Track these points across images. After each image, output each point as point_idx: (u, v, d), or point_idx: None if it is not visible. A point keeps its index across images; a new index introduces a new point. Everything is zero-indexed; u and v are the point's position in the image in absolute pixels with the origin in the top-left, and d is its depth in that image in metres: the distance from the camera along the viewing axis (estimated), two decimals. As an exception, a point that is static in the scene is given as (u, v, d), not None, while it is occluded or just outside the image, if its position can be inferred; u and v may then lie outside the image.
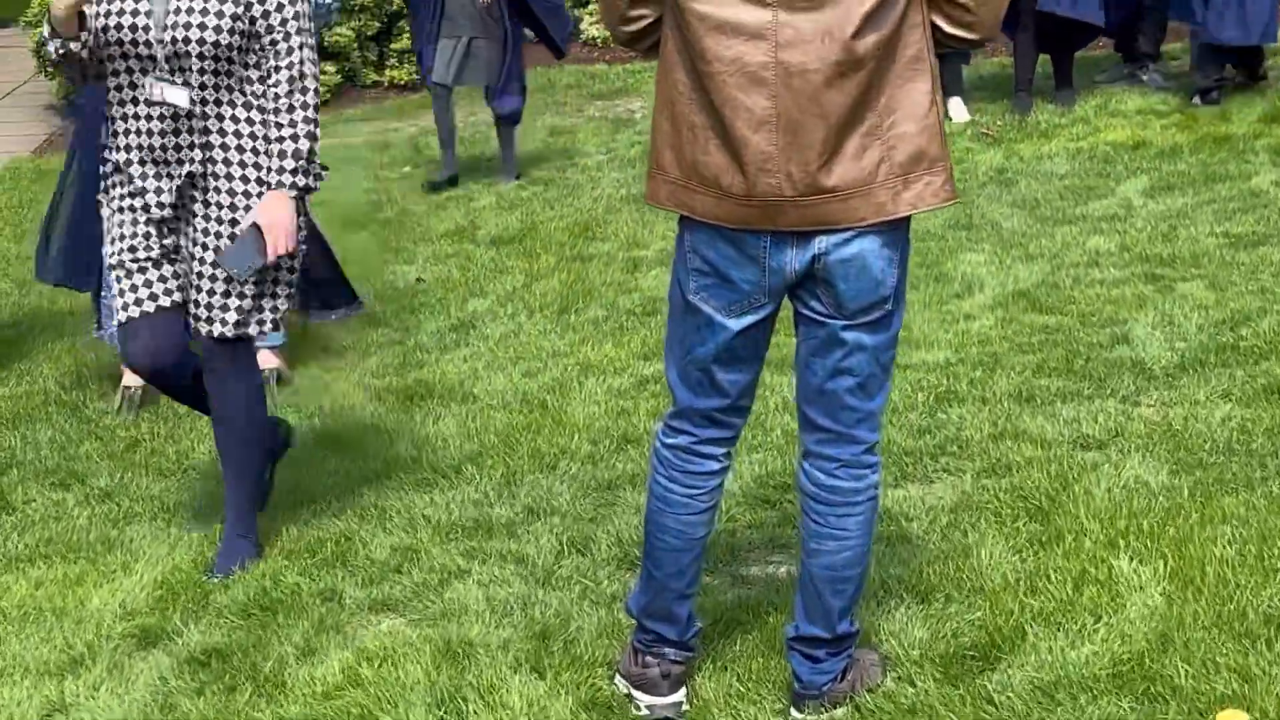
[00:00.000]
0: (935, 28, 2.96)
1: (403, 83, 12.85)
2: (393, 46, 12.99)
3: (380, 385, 5.66)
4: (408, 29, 12.48)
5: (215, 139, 3.94)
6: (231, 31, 3.88)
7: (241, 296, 3.98)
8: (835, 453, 3.16)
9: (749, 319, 3.07)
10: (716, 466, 3.25)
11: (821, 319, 3.04)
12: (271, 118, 3.94)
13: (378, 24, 12.67)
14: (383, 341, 6.31)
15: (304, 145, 3.95)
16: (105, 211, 4.08)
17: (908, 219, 3.01)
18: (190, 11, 3.87)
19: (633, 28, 3.10)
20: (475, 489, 4.59)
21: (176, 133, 3.92)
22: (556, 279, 6.98)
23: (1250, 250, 6.55)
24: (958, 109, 9.67)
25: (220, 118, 3.94)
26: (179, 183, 3.96)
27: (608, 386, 5.44)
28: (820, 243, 2.95)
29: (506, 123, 9.20)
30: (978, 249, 7.00)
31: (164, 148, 3.94)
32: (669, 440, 3.25)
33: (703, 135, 2.96)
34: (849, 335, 3.04)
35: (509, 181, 9.15)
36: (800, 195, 2.91)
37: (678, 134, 3.00)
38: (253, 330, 4.04)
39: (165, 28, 3.87)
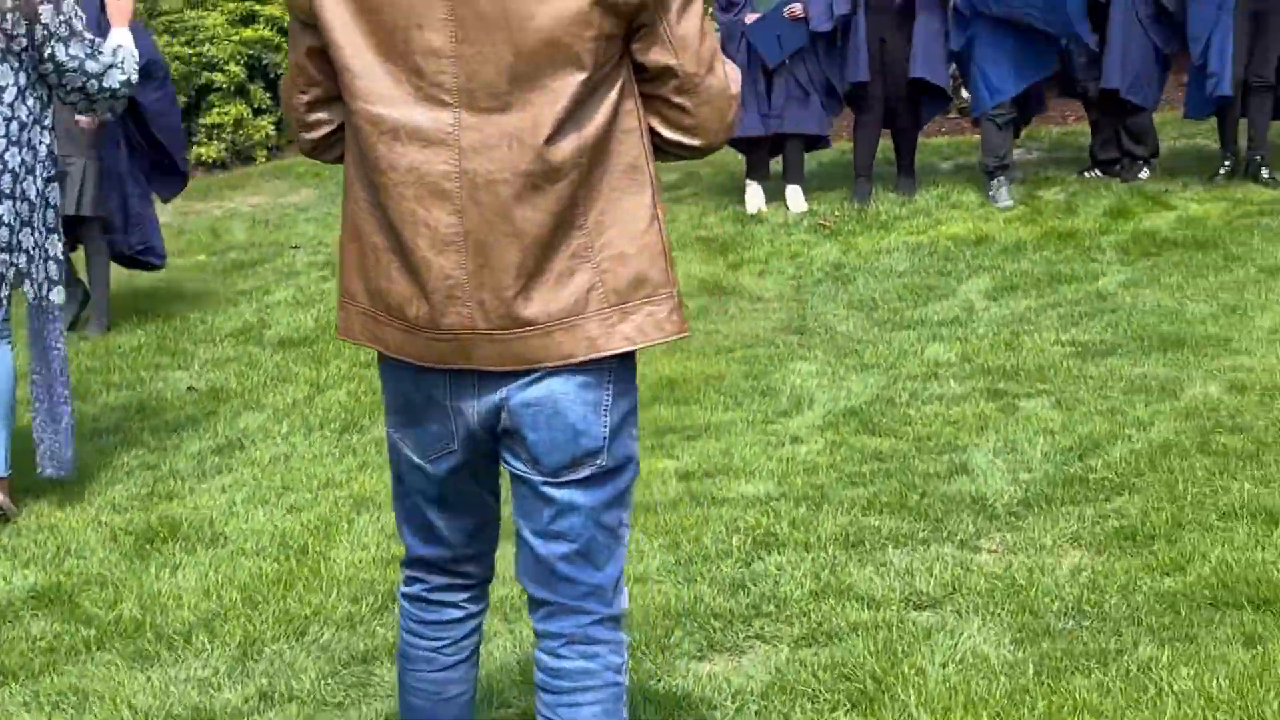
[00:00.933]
0: (654, 132, 2.52)
1: (212, 160, 12.06)
2: (201, 121, 12.20)
3: (118, 523, 4.89)
4: (217, 103, 11.75)
5: None
6: None
7: None
8: (559, 627, 2.63)
9: (446, 464, 2.63)
10: (459, 614, 2.78)
11: (522, 474, 2.57)
12: None
13: (185, 97, 11.89)
14: (133, 465, 5.53)
15: None
16: None
17: (630, 355, 2.54)
18: None
19: (314, 135, 2.61)
20: (204, 664, 3.85)
21: None
22: (344, 389, 6.28)
23: (1099, 361, 6.05)
24: (795, 198, 9.17)
25: None
26: None
27: (381, 525, 4.74)
28: (503, 383, 2.51)
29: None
30: (809, 356, 6.43)
31: None
32: (406, 589, 2.81)
33: (385, 258, 2.52)
34: (557, 493, 2.56)
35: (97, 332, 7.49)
36: (495, 328, 2.47)
37: (363, 256, 2.55)
38: None
39: None
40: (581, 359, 2.47)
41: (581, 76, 2.39)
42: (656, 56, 2.47)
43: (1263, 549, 4.13)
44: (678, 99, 2.49)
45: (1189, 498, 4.54)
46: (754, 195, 9.25)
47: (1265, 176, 8.76)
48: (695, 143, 2.55)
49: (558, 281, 2.45)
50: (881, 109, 9.08)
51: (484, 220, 2.43)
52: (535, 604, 2.65)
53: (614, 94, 2.45)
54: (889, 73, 8.94)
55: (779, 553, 4.37)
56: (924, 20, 8.80)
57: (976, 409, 5.58)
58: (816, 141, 9.28)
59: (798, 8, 8.82)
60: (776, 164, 9.32)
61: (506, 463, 2.59)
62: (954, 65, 9.22)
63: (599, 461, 2.55)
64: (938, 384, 5.93)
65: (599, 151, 2.44)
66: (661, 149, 2.55)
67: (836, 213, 8.96)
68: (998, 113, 8.75)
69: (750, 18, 8.88)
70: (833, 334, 6.79)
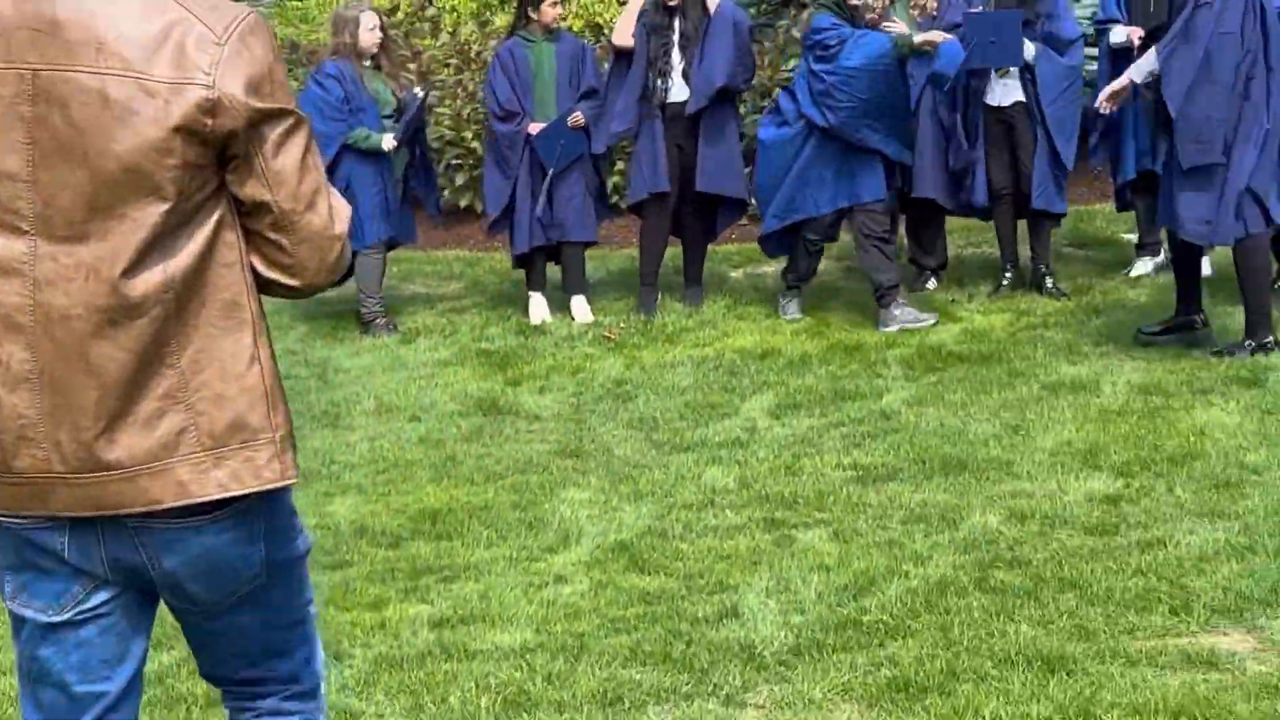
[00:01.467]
0: (253, 268, 2.43)
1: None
2: None
3: None
4: None
5: None
6: None
7: None
8: (250, 704, 2.65)
9: (76, 611, 2.47)
10: None
11: (183, 609, 2.54)
12: None
13: None
14: None
15: None
16: None
17: (284, 490, 2.48)
18: None
19: None
20: None
21: None
22: None
23: (879, 487, 5.85)
24: (579, 309, 8.90)
25: None
26: None
27: None
28: (142, 539, 2.40)
29: None
30: (583, 483, 6.14)
31: None
32: None
33: None
34: (225, 618, 2.54)
35: None
36: (73, 471, 2.35)
37: None
38: None
39: None
40: (171, 504, 2.36)
41: (164, 207, 2.29)
42: (251, 190, 2.36)
43: (1038, 701, 3.92)
44: (274, 235, 2.39)
45: (965, 642, 4.32)
46: (537, 306, 8.97)
47: (1049, 287, 8.74)
48: (293, 283, 2.44)
49: (146, 424, 2.34)
50: (669, 216, 8.90)
51: (60, 357, 2.31)
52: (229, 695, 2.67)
53: (209, 226, 2.35)
54: (682, 181, 8.77)
55: (530, 714, 4.04)
56: (716, 127, 8.66)
57: (751, 541, 5.32)
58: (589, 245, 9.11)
59: (580, 117, 8.63)
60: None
61: (164, 599, 2.54)
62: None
63: (261, 580, 2.50)
64: (713, 513, 5.67)
65: (191, 286, 2.34)
66: (263, 286, 2.45)
67: (622, 324, 8.72)
68: (812, 237, 8.58)
69: (534, 127, 8.65)
70: (610, 457, 6.50)
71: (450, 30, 12.76)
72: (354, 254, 8.26)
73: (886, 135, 8.24)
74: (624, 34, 8.79)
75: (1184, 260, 7.43)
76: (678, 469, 6.23)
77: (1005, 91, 8.59)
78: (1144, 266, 8.89)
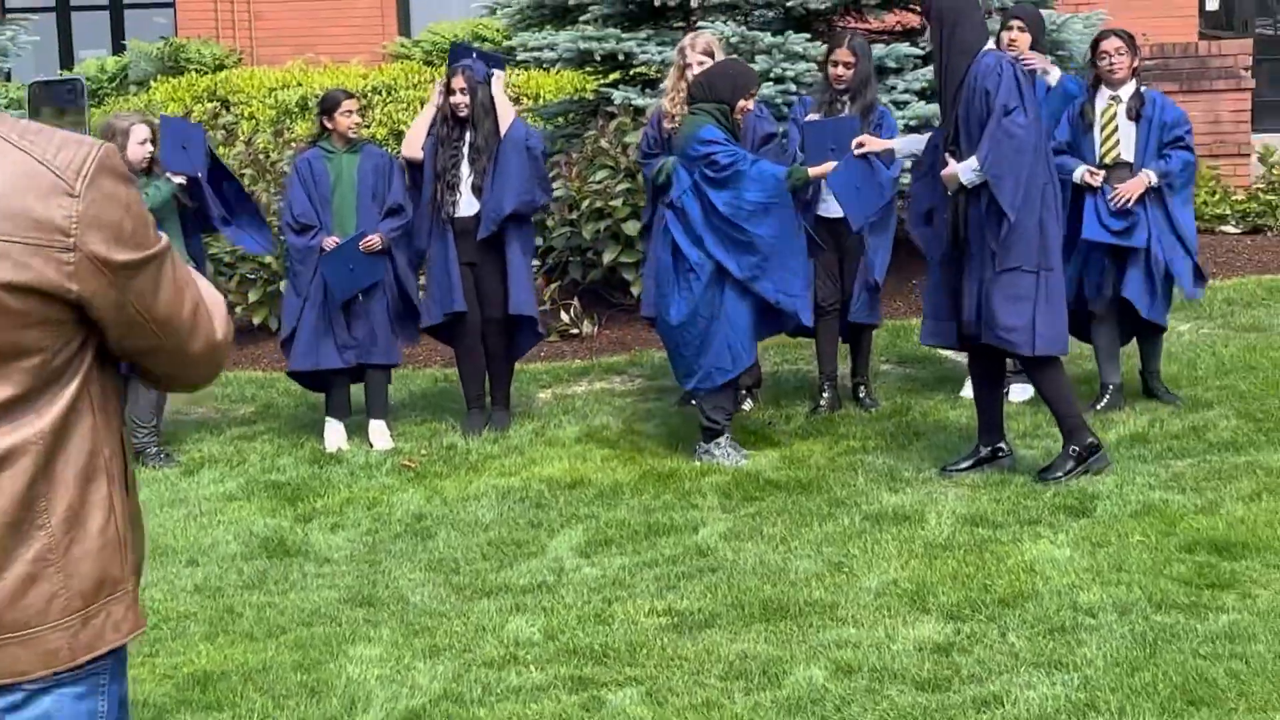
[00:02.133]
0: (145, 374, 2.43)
1: None
2: None
3: None
4: None
5: None
6: None
7: None
8: None
9: None
10: None
11: None
12: None
13: None
14: None
15: None
16: None
17: (119, 650, 2.38)
18: None
19: None
20: None
21: None
22: None
23: (695, 636, 5.42)
24: (379, 435, 8.38)
25: None
26: None
27: None
28: None
29: None
30: (374, 636, 5.60)
31: None
32: None
33: None
34: None
35: None
36: None
37: None
38: None
39: None
40: (41, 674, 2.27)
41: (30, 363, 2.23)
42: (135, 343, 2.32)
43: None
44: (167, 368, 2.41)
45: (792, 828, 3.88)
46: (333, 433, 8.42)
47: (864, 398, 8.48)
48: (186, 390, 2.54)
49: (16, 591, 2.25)
50: (479, 334, 8.45)
51: None
52: None
53: (76, 379, 2.28)
54: (483, 300, 8.34)
55: None
56: (507, 247, 8.26)
57: (557, 706, 4.84)
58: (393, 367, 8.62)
59: (375, 241, 8.16)
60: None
61: None
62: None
63: None
64: (516, 671, 5.17)
65: (59, 439, 2.27)
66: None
67: (423, 451, 8.21)
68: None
69: (330, 242, 8.16)
70: (404, 606, 5.97)
71: (245, 139, 12.22)
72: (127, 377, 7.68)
73: (789, 292, 7.59)
74: (413, 146, 8.38)
75: (986, 384, 7.18)
76: (478, 619, 5.72)
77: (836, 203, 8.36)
78: (970, 388, 8.62)
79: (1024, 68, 7.14)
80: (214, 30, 17.02)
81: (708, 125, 7.51)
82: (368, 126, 14.10)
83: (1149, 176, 7.85)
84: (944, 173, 6.94)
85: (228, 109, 14.84)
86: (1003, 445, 7.24)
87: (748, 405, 8.62)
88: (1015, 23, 8.26)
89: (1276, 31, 17.56)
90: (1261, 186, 11.73)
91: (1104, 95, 8.02)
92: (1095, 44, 8.16)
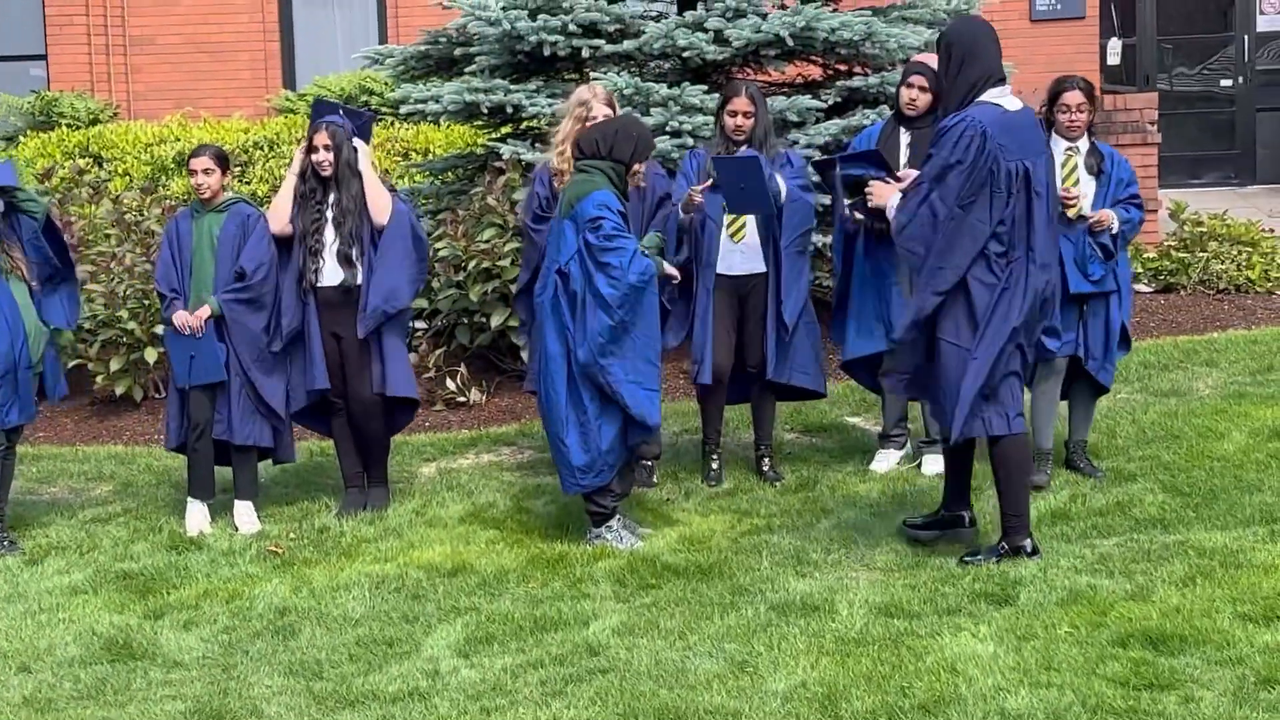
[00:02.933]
0: None
1: None
2: None
3: None
4: None
5: None
6: None
7: None
8: None
9: None
10: None
11: None
12: None
13: None
14: None
15: None
16: None
17: None
18: None
19: None
20: None
21: None
22: None
23: (583, 753, 4.83)
24: (245, 517, 7.72)
25: None
26: None
27: None
28: None
29: None
30: (220, 758, 4.95)
31: None
32: None
33: None
34: None
35: None
36: None
37: None
38: None
39: None
40: None
41: None
42: None
43: None
44: None
45: None
46: (195, 515, 7.74)
47: (766, 470, 7.98)
48: None
49: None
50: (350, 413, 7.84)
51: None
52: None
53: None
54: (351, 375, 7.71)
55: None
56: (392, 323, 7.66)
57: (421, 847, 4.22)
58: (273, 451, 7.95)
59: (190, 319, 7.54)
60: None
61: None
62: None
63: None
64: (378, 801, 4.55)
65: None
66: None
67: (292, 536, 7.56)
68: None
69: (181, 317, 7.54)
70: (259, 718, 5.33)
71: (114, 197, 11.52)
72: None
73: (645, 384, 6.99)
74: (280, 219, 7.68)
75: (960, 448, 6.65)
76: (340, 735, 5.10)
77: (743, 259, 7.85)
78: (889, 459, 8.13)
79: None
80: (89, 84, 16.28)
81: (604, 189, 6.93)
82: (247, 183, 13.45)
83: (1113, 217, 7.43)
84: (878, 192, 6.57)
85: (101, 165, 14.12)
86: (966, 514, 6.72)
87: (655, 478, 8.06)
88: (916, 79, 7.79)
89: (1172, 87, 17.40)
90: (1173, 243, 11.38)
91: (1060, 146, 7.54)
92: (1055, 94, 7.63)
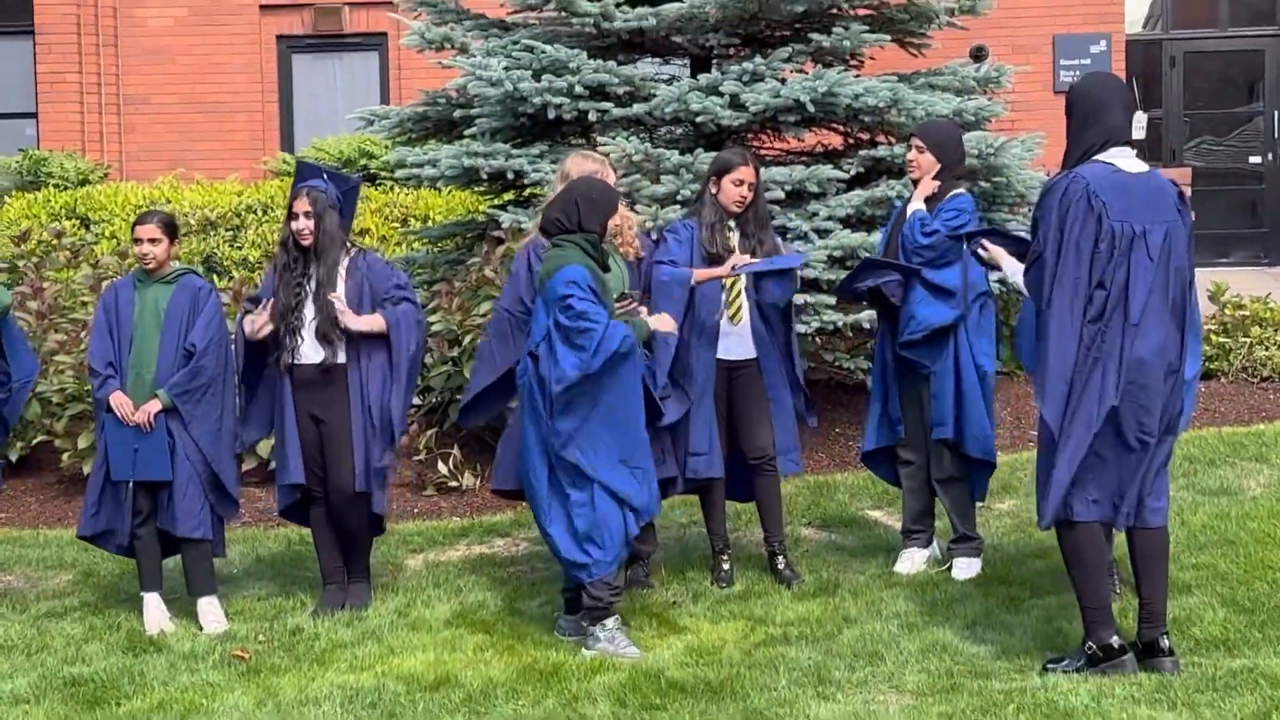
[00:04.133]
0: None
1: None
2: None
3: None
4: None
5: None
6: None
7: None
8: None
9: None
10: None
11: None
12: None
13: None
14: None
15: None
16: None
17: None
18: None
19: None
20: None
21: None
22: None
23: None
24: (209, 615, 7.06)
25: None
26: None
27: None
28: None
29: None
30: None
31: None
32: None
33: None
34: None
35: None
36: None
37: None
38: None
39: None
40: None
41: None
42: None
43: None
44: None
45: None
46: (153, 610, 7.08)
47: (782, 569, 7.32)
48: None
49: None
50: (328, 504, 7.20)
51: None
52: None
53: None
54: (330, 463, 7.07)
55: None
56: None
57: None
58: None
59: (138, 417, 6.93)
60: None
61: None
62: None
63: None
64: None
65: None
66: None
67: (261, 637, 6.88)
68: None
69: (118, 399, 6.92)
70: None
71: (93, 262, 10.92)
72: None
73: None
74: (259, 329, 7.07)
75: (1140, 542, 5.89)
76: None
77: (738, 343, 7.25)
78: (914, 559, 7.45)
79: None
80: (80, 143, 15.75)
81: (574, 264, 6.33)
82: (239, 248, 12.87)
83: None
84: (993, 250, 6.18)
85: (88, 228, 13.54)
86: (1162, 642, 5.84)
87: (652, 578, 7.38)
88: (914, 141, 7.32)
89: (1204, 161, 16.85)
90: (1214, 327, 10.72)
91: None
92: None
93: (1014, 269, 6.11)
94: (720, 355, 7.25)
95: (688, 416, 7.17)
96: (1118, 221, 5.64)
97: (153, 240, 7.04)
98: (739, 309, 7.25)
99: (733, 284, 7.23)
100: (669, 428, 7.08)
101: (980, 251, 6.26)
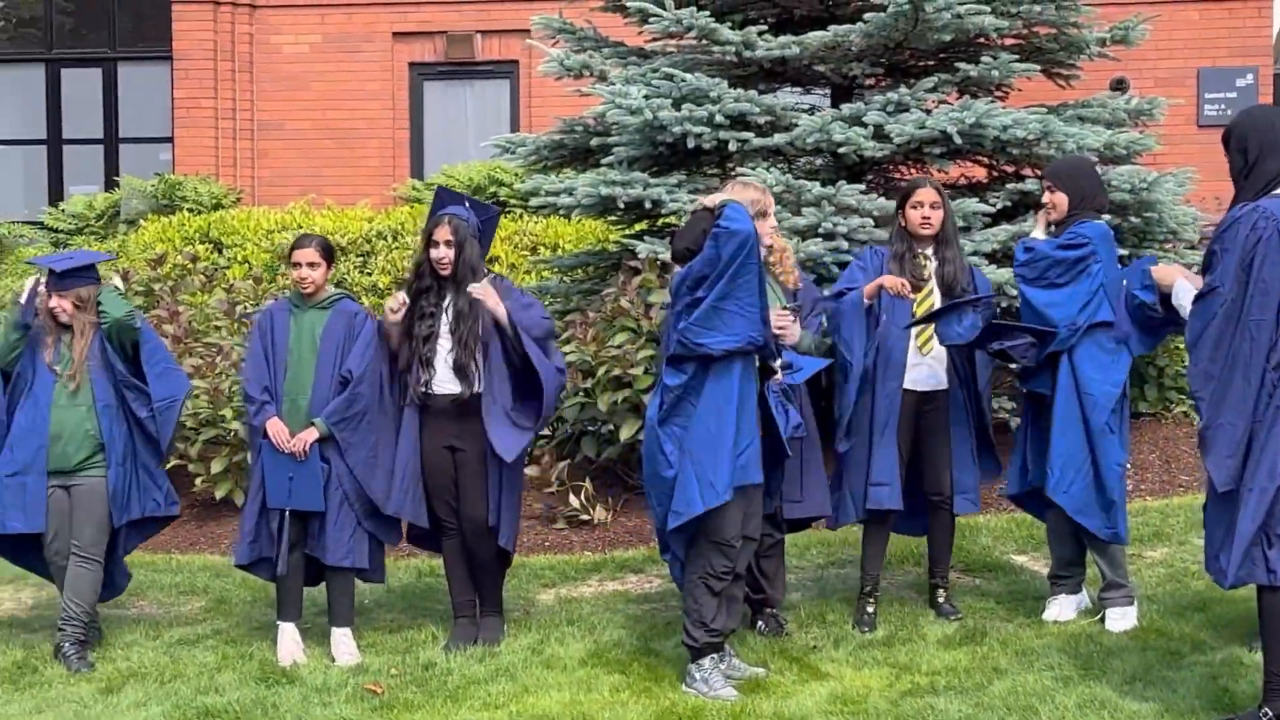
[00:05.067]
0: None
1: None
2: None
3: None
4: None
5: None
6: None
7: None
8: None
9: None
10: None
11: None
12: None
13: None
14: None
15: None
16: None
17: None
18: None
19: None
20: None
21: None
22: None
23: None
24: (343, 647, 6.96)
25: None
26: None
27: None
28: None
29: None
30: None
31: None
32: None
33: None
34: None
35: None
36: None
37: None
38: None
39: None
40: None
41: None
42: None
43: None
44: None
45: None
46: (287, 641, 6.99)
47: (943, 603, 7.20)
48: None
49: None
50: (462, 535, 7.08)
51: None
52: None
53: None
54: (464, 495, 6.95)
55: None
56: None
57: None
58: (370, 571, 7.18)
59: (294, 445, 6.85)
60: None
61: None
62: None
63: None
64: None
65: None
66: None
67: (394, 671, 6.76)
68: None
69: (274, 426, 6.85)
70: None
71: (226, 286, 10.94)
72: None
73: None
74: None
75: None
76: None
77: (928, 374, 7.14)
78: (1063, 607, 7.17)
79: None
80: (214, 168, 15.87)
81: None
82: (369, 274, 12.86)
83: None
84: (1167, 271, 6.01)
85: (220, 252, 13.62)
86: None
87: (759, 626, 7.14)
88: (1046, 183, 7.13)
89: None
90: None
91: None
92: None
93: (1185, 290, 5.82)
94: (907, 386, 7.09)
95: (870, 445, 7.03)
96: None
97: (311, 264, 6.98)
98: (928, 338, 7.08)
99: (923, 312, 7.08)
100: (842, 456, 7.05)
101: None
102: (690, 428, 6.12)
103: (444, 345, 6.85)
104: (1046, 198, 7.08)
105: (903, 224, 7.16)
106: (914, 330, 7.07)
